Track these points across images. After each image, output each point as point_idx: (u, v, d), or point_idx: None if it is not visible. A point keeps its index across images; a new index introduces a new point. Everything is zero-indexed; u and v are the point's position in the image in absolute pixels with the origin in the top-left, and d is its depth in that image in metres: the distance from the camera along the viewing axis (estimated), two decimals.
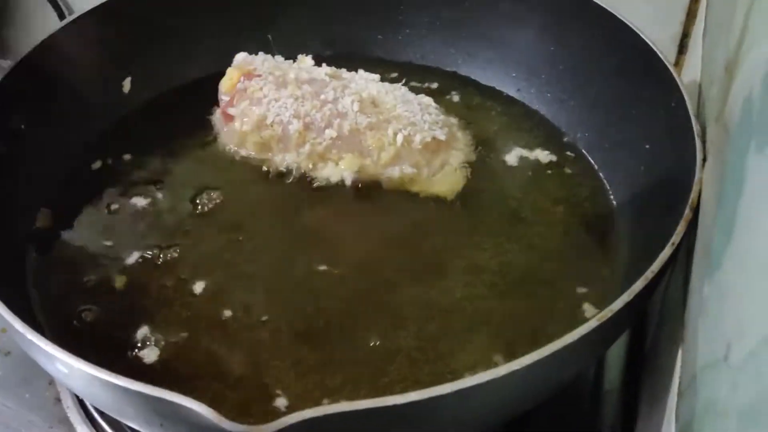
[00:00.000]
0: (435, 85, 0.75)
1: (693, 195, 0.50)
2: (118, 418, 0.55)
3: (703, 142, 0.53)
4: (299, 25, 0.76)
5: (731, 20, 0.54)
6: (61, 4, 0.94)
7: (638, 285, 0.46)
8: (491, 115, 0.72)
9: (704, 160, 0.52)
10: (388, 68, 0.75)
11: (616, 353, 0.64)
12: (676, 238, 0.48)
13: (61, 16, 0.94)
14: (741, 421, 0.30)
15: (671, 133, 0.57)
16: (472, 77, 0.75)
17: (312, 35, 0.76)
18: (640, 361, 0.63)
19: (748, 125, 0.40)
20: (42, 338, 0.43)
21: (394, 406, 0.40)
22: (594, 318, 0.44)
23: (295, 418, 0.39)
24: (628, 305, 0.45)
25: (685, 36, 0.81)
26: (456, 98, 0.74)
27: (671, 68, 0.58)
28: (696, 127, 0.54)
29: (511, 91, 0.73)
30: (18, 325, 0.44)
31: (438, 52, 0.76)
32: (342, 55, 0.76)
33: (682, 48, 0.82)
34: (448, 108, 0.72)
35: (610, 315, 0.45)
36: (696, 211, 0.50)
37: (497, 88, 0.74)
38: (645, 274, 0.46)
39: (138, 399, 0.42)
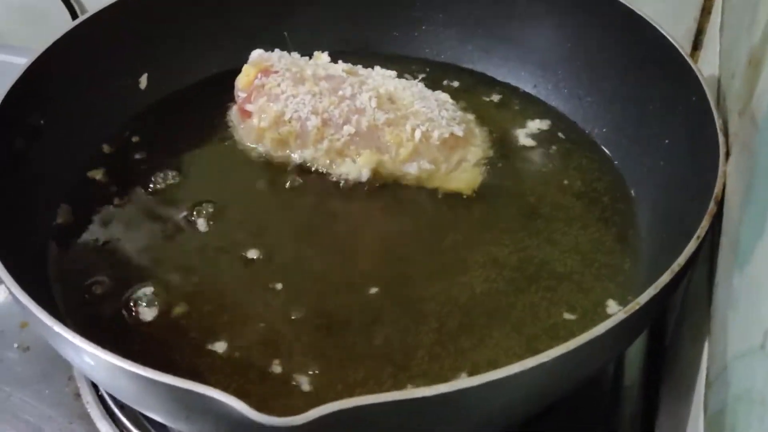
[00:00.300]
0: (455, 84, 0.75)
1: (717, 189, 0.50)
2: (142, 411, 0.55)
3: (726, 135, 0.53)
4: (314, 23, 0.76)
5: (754, 14, 0.54)
6: (74, 3, 0.94)
7: (665, 278, 0.45)
8: (509, 111, 0.72)
9: (728, 153, 0.52)
10: (404, 65, 0.75)
11: (635, 349, 0.64)
12: (701, 232, 0.48)
13: (74, 15, 0.94)
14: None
15: (691, 128, 0.57)
16: (489, 74, 0.75)
17: (327, 32, 0.76)
18: (661, 357, 0.63)
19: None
20: (69, 330, 0.43)
21: (423, 398, 0.40)
22: (621, 311, 0.44)
23: (325, 410, 0.39)
24: (654, 298, 0.45)
25: (699, 32, 0.81)
26: (473, 94, 0.74)
27: (690, 62, 0.58)
28: (718, 121, 0.54)
29: (528, 88, 0.73)
30: (45, 318, 0.44)
31: (454, 48, 0.76)
32: (358, 51, 0.76)
33: (696, 44, 0.82)
34: (465, 104, 0.72)
35: (636, 308, 0.45)
36: (720, 204, 0.50)
37: (513, 84, 0.74)
38: (671, 267, 0.46)
39: (165, 391, 0.42)
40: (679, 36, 0.80)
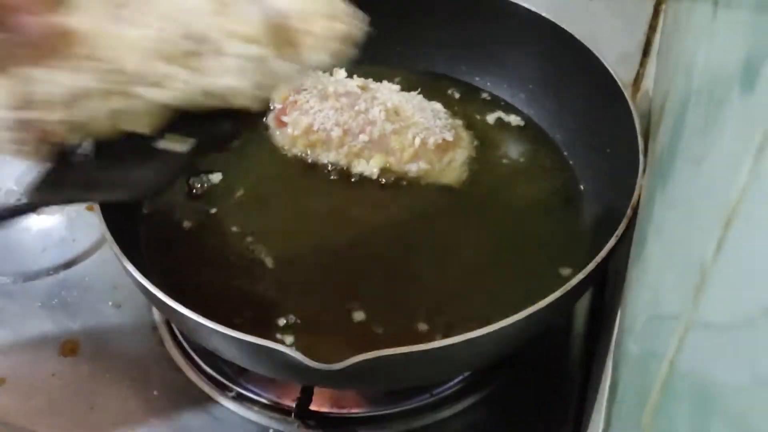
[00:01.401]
0: (450, 92, 0.93)
1: (634, 199, 0.68)
2: (222, 356, 0.73)
3: (645, 155, 0.71)
4: None
5: (669, 52, 0.72)
6: None
7: (590, 266, 0.65)
8: (491, 117, 0.90)
9: (644, 170, 0.70)
10: (407, 75, 0.93)
11: (581, 306, 0.84)
12: (619, 232, 0.67)
13: None
14: (635, 365, 0.49)
15: (625, 144, 0.74)
16: (475, 84, 0.93)
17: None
18: (600, 313, 0.83)
19: (659, 163, 0.58)
20: (177, 303, 0.62)
21: (432, 350, 0.59)
22: (573, 278, 0.63)
23: (356, 359, 0.58)
24: (592, 272, 0.64)
25: (648, 43, 0.98)
26: (462, 102, 0.92)
27: (626, 94, 0.76)
28: (641, 144, 0.72)
29: (507, 97, 0.91)
30: (151, 287, 0.63)
31: (447, 63, 0.94)
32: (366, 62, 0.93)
33: (646, 52, 1.00)
34: (455, 111, 0.90)
35: (582, 277, 0.64)
36: (636, 210, 0.68)
37: (496, 94, 0.92)
38: (595, 258, 0.65)
39: (245, 346, 0.61)
40: (633, 46, 0.98)
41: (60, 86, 0.46)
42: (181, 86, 0.49)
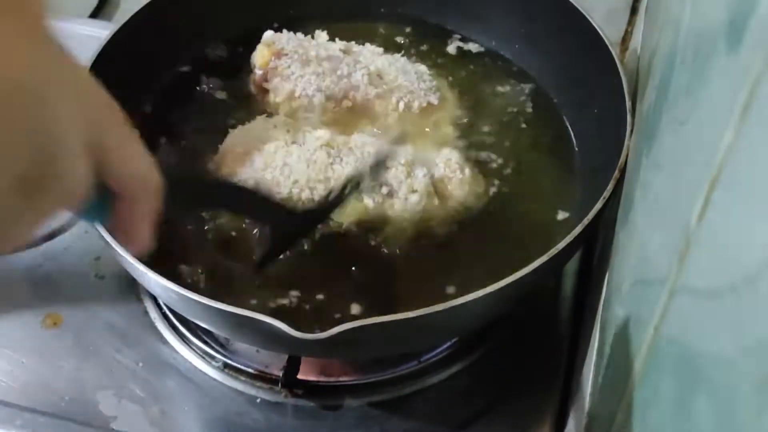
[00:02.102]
0: (436, 51, 0.91)
1: (621, 160, 0.67)
2: (207, 328, 0.73)
3: (633, 116, 0.70)
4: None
5: (657, 9, 0.70)
6: None
7: (578, 229, 0.64)
8: (483, 69, 0.89)
9: (632, 131, 0.69)
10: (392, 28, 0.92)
11: (571, 267, 0.83)
12: (606, 194, 0.66)
13: None
14: (621, 330, 0.49)
15: (613, 104, 0.73)
16: (473, 37, 0.91)
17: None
18: (589, 274, 0.82)
19: (645, 123, 0.57)
20: (162, 278, 0.61)
21: (414, 318, 0.58)
22: (561, 242, 0.62)
23: (341, 329, 0.57)
24: (579, 234, 0.63)
25: (636, 0, 0.97)
26: (454, 54, 0.90)
27: (615, 56, 0.74)
28: (628, 104, 0.71)
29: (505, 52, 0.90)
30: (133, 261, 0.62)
31: (435, 19, 0.92)
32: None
33: (634, 10, 0.98)
34: (441, 63, 0.88)
35: (570, 240, 0.63)
36: (623, 171, 0.67)
37: (489, 47, 0.91)
38: (582, 221, 0.64)
39: (229, 317, 0.60)
40: (621, 3, 0.96)
41: None
42: None
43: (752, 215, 0.27)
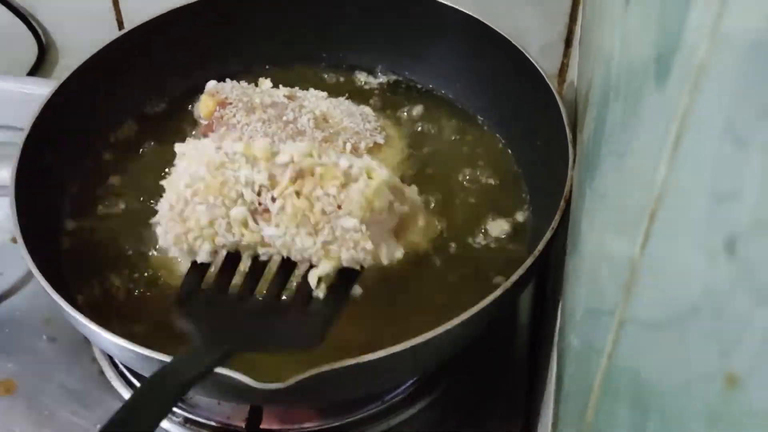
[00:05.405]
0: (377, 91, 0.92)
1: (566, 190, 0.69)
2: None
3: (575, 147, 0.72)
4: (257, 45, 0.93)
5: (589, 43, 0.73)
6: (38, 29, 1.07)
7: (528, 261, 0.65)
8: (426, 108, 0.90)
9: (574, 161, 0.71)
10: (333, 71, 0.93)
11: (526, 297, 0.84)
12: (554, 224, 0.67)
13: (39, 41, 1.07)
14: (577, 359, 0.50)
15: (554, 135, 0.75)
16: (414, 77, 0.93)
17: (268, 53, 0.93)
18: (544, 303, 0.84)
19: (586, 155, 0.59)
20: (113, 335, 0.60)
21: (372, 361, 0.58)
22: (513, 274, 0.63)
23: (302, 376, 0.57)
24: (531, 266, 0.64)
25: (570, 33, 1.00)
26: (390, 100, 0.92)
27: (553, 88, 0.76)
28: (569, 135, 0.72)
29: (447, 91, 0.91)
30: (77, 315, 0.61)
31: (371, 63, 0.94)
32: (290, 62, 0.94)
33: (568, 42, 1.01)
34: (385, 103, 0.90)
35: (521, 273, 0.64)
36: (569, 201, 0.69)
37: (432, 86, 0.92)
38: (533, 253, 0.65)
39: None
40: (555, 36, 0.99)
41: None
42: None
43: (689, 247, 0.28)
